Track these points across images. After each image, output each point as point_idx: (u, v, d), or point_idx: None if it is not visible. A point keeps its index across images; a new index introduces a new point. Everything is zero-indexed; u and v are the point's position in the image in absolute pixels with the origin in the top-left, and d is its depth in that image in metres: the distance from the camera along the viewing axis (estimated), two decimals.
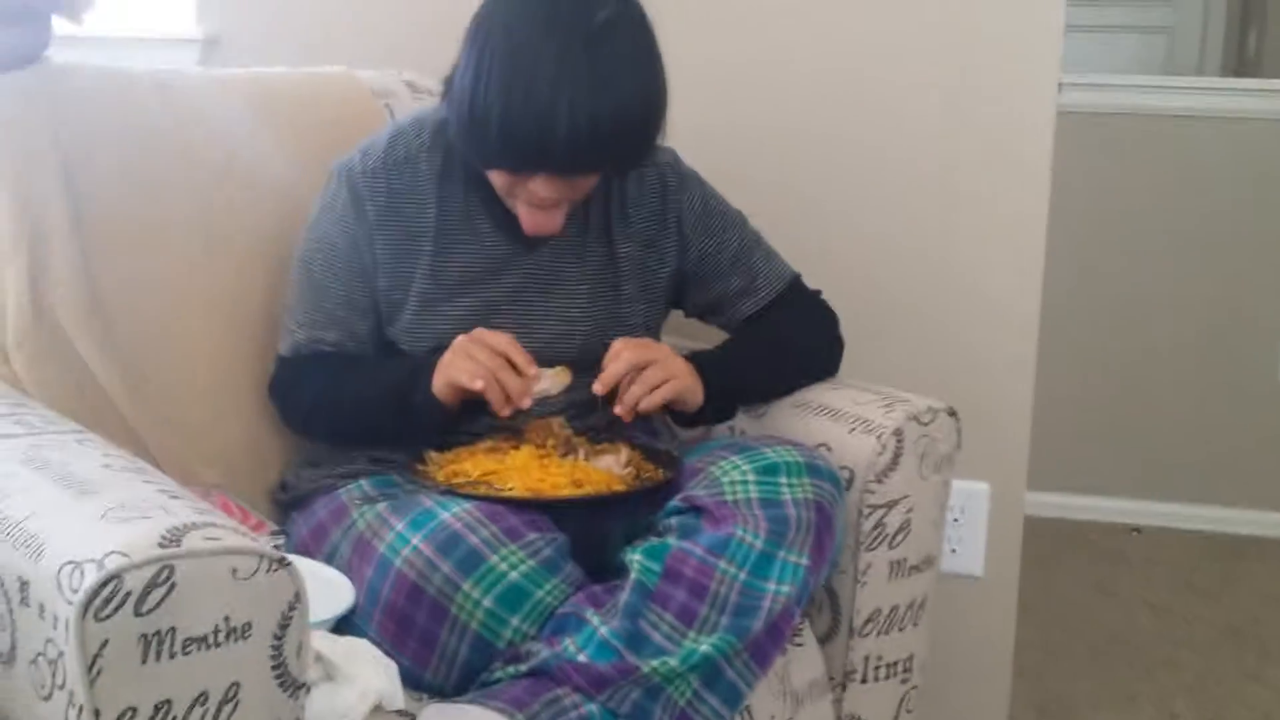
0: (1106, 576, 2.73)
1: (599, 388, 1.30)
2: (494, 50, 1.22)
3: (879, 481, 1.31)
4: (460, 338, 1.29)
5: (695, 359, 1.38)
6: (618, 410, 1.32)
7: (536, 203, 1.29)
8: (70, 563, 0.83)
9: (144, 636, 0.82)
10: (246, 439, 1.46)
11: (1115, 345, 2.99)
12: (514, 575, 1.11)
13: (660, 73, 1.26)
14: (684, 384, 1.34)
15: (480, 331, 1.29)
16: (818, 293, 1.51)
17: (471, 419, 1.31)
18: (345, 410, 1.36)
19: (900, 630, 1.37)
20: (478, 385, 1.24)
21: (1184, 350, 2.97)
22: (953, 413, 1.37)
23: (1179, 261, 2.95)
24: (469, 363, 1.25)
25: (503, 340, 1.27)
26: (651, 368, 1.31)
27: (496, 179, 1.31)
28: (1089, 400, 2.99)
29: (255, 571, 0.86)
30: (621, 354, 1.31)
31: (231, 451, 1.44)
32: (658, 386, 1.31)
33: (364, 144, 1.40)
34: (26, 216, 1.30)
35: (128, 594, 0.81)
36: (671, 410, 1.39)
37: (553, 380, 1.29)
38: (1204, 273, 2.95)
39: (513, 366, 1.26)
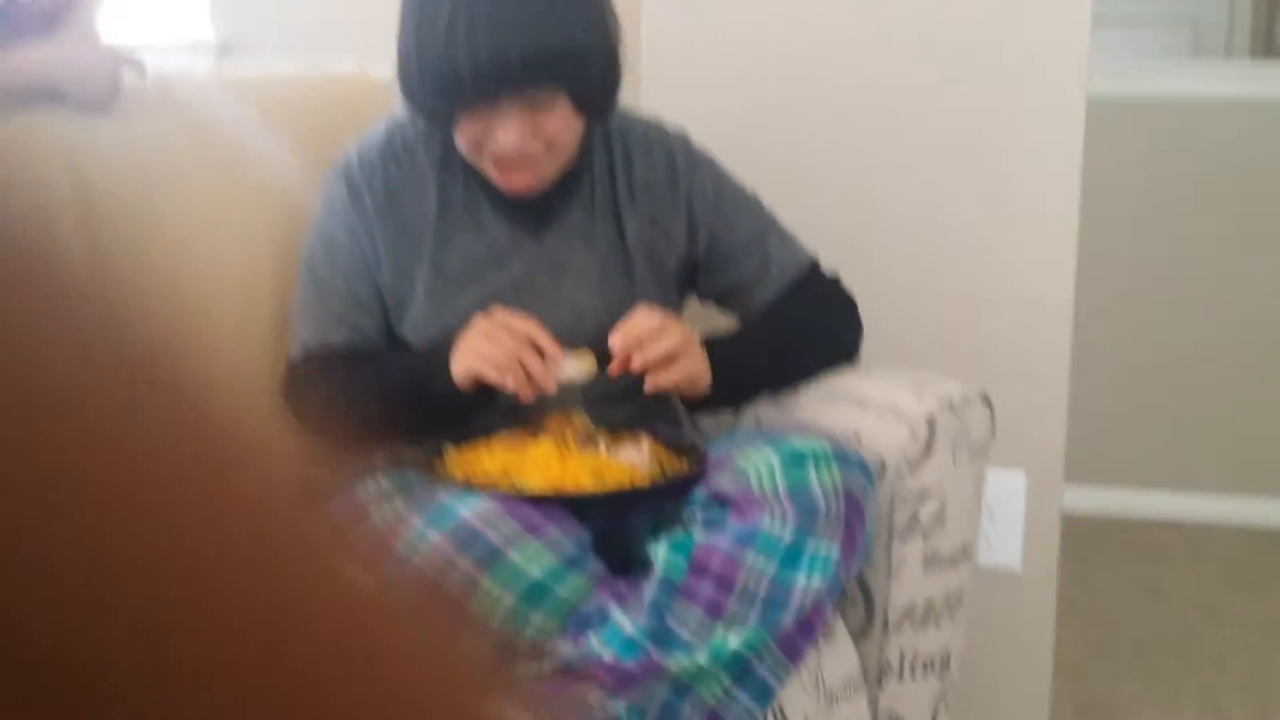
0: (1149, 573, 2.67)
1: (616, 340, 1.25)
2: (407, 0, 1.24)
3: (912, 471, 1.27)
4: (479, 318, 1.24)
5: (704, 343, 1.34)
6: (639, 372, 1.25)
7: (501, 153, 1.26)
8: None
9: None
10: None
11: (1152, 338, 2.93)
12: (535, 571, 1.07)
13: None
14: (696, 363, 1.29)
15: (500, 312, 1.25)
16: (837, 278, 1.46)
17: (490, 401, 1.27)
18: (361, 403, 1.33)
19: (936, 625, 1.32)
20: (501, 377, 1.20)
21: (1224, 342, 2.91)
22: (986, 398, 1.33)
23: (1215, 250, 2.90)
24: (490, 346, 1.21)
25: (525, 322, 1.23)
26: (665, 339, 1.26)
27: (461, 139, 1.28)
28: (1127, 394, 2.93)
29: None
30: (639, 318, 1.26)
31: None
32: (673, 359, 1.26)
33: (361, 137, 1.37)
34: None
35: None
36: (682, 395, 1.35)
37: (577, 366, 1.24)
38: (1240, 261, 2.89)
39: (536, 350, 1.22)
